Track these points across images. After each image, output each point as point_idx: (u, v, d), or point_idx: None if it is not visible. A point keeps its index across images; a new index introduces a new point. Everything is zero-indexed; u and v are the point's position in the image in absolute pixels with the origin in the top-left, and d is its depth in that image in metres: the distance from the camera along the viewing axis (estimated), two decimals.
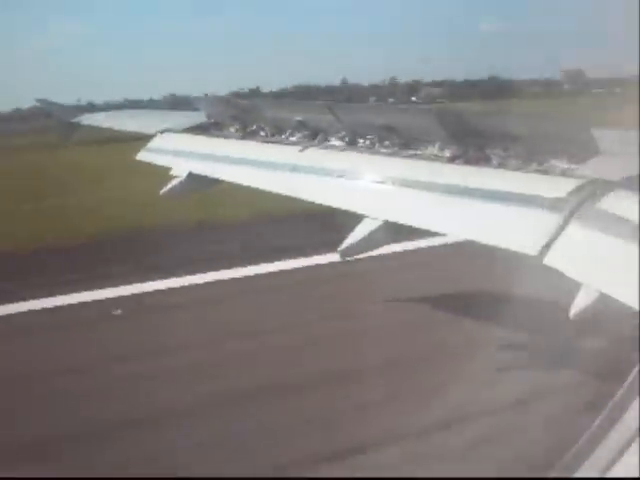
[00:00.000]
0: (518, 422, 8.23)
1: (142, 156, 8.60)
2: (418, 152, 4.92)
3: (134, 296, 14.40)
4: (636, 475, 2.02)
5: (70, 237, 19.79)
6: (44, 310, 13.93)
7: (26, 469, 7.82)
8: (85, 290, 14.74)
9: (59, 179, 31.67)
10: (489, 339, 10.46)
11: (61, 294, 14.49)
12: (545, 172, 3.92)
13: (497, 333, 10.62)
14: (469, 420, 8.38)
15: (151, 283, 15.02)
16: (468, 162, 4.41)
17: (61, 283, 15.13)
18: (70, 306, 14.05)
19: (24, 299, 14.31)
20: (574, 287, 3.10)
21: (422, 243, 14.41)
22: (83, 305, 14.12)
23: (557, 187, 3.61)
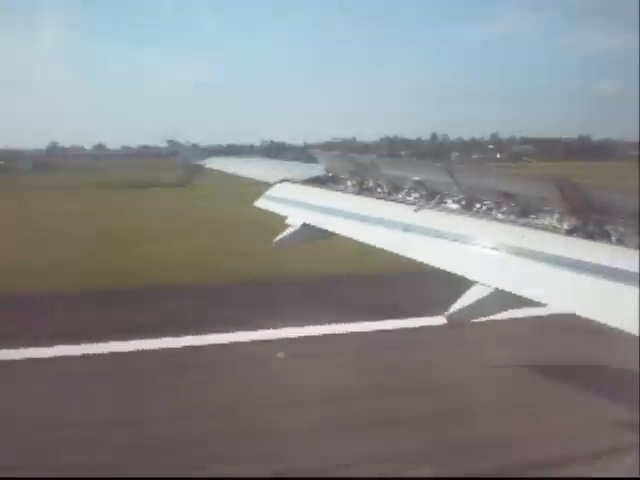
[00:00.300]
0: None
1: (260, 203, 8.81)
2: (536, 221, 4.84)
3: None
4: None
5: None
6: None
7: None
8: None
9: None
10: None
11: None
12: None
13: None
14: None
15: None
16: (587, 236, 4.30)
17: None
18: None
19: None
20: None
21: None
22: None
23: None
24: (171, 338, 15.32)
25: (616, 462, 6.82)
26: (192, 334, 15.44)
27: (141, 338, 15.39)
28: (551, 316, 12.33)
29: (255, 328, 15.78)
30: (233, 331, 15.69)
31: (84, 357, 14.39)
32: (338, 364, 13.68)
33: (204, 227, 32.61)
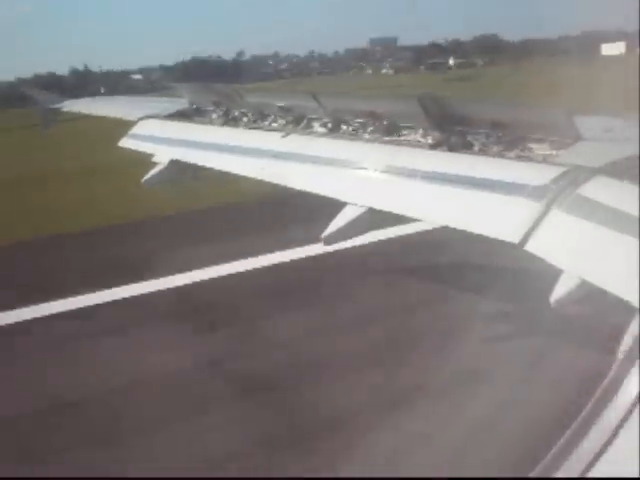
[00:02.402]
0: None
1: (125, 142, 8.53)
2: (401, 139, 4.91)
3: None
4: (636, 475, 2.02)
5: None
6: None
7: None
8: None
9: None
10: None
11: None
12: (527, 159, 3.92)
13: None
14: None
15: None
16: (450, 149, 4.41)
17: None
18: None
19: None
20: (555, 274, 3.11)
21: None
22: None
23: (539, 174, 3.61)
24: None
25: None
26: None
27: None
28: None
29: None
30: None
31: None
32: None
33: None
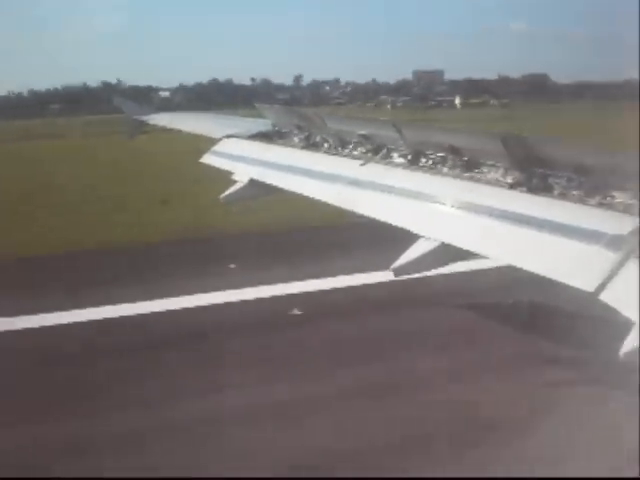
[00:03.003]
0: None
1: (207, 159, 8.74)
2: (480, 176, 4.89)
3: None
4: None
5: None
6: None
7: None
8: None
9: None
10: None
11: None
12: (608, 206, 3.85)
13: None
14: None
15: None
16: (530, 190, 4.36)
17: None
18: None
19: None
20: (628, 326, 3.05)
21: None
22: None
23: (619, 224, 3.55)
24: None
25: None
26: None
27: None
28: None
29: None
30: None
31: None
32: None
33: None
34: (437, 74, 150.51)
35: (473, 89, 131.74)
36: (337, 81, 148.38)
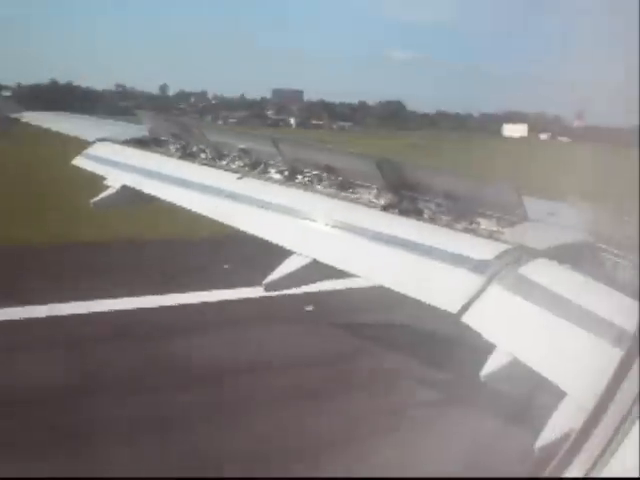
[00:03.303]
0: None
1: (79, 161, 8.41)
2: (354, 196, 4.97)
3: None
4: (636, 475, 2.02)
5: None
6: None
7: None
8: None
9: None
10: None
11: None
12: (473, 232, 4.01)
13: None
14: None
15: None
16: (402, 212, 4.48)
17: None
18: None
19: None
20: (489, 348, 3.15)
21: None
22: None
23: (484, 249, 3.70)
24: None
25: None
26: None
27: None
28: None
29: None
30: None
31: None
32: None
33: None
34: (297, 94, 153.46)
35: (326, 111, 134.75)
36: (204, 93, 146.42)
